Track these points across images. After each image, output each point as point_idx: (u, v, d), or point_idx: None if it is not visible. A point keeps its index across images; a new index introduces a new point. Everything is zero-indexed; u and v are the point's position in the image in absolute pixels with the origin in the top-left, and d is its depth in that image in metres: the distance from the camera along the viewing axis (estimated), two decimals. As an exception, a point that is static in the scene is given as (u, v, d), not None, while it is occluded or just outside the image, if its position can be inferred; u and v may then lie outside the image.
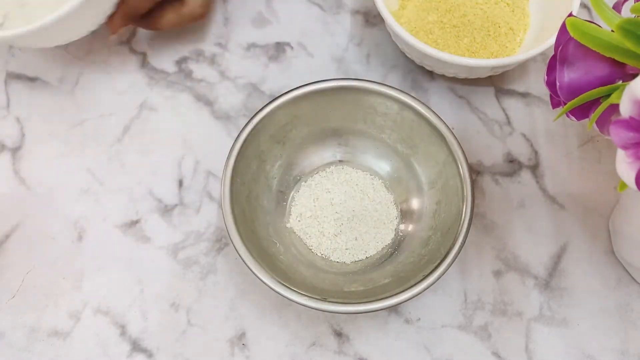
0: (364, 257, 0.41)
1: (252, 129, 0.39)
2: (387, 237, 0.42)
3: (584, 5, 0.50)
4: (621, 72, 0.30)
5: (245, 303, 0.41)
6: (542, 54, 0.42)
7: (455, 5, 0.47)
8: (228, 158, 0.39)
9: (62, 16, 0.37)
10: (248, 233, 0.38)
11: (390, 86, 0.40)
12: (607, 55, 0.29)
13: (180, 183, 0.44)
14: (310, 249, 0.41)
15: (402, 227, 0.42)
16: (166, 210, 0.43)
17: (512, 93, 0.47)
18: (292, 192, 0.43)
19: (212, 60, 0.48)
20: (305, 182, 0.43)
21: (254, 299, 0.41)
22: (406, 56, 0.48)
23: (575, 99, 0.30)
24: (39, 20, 0.37)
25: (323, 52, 0.48)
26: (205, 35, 0.49)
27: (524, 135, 0.46)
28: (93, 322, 0.40)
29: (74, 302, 0.41)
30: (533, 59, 0.48)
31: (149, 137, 0.45)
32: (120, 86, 0.47)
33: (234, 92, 0.47)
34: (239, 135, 0.39)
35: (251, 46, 0.49)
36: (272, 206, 0.42)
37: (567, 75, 0.30)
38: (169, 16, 0.43)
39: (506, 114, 0.46)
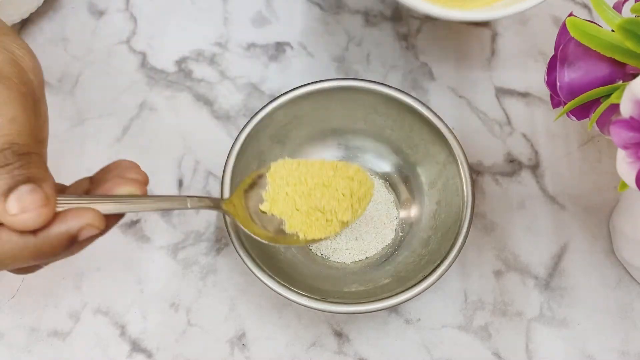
0: (364, 257, 0.41)
1: (252, 129, 0.39)
2: (387, 237, 0.42)
3: (584, 5, 0.50)
4: (621, 72, 0.30)
5: (245, 303, 0.41)
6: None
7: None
8: (228, 158, 0.38)
9: None
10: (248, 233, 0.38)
11: (390, 86, 0.40)
12: (608, 55, 0.29)
13: (180, 183, 0.44)
14: (310, 249, 0.41)
15: (402, 227, 0.42)
16: (166, 210, 0.43)
17: (512, 93, 0.47)
18: (292, 192, 0.43)
19: (212, 60, 0.48)
20: (305, 182, 0.43)
21: (254, 299, 0.41)
22: (406, 56, 0.48)
23: (576, 99, 0.30)
24: None
25: (323, 52, 0.48)
26: (205, 35, 0.49)
27: (524, 135, 0.46)
28: (93, 322, 0.40)
29: (73, 302, 0.41)
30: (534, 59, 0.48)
31: (149, 137, 0.45)
32: (120, 86, 0.47)
33: (234, 92, 0.47)
34: (239, 135, 0.39)
35: (251, 46, 0.49)
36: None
37: (568, 75, 0.30)
38: None
39: (506, 114, 0.46)
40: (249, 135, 0.39)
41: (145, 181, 0.28)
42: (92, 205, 0.26)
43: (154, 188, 0.44)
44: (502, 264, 0.42)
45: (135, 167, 0.29)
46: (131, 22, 0.49)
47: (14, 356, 0.39)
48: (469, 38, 0.49)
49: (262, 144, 0.41)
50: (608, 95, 0.29)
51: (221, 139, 0.45)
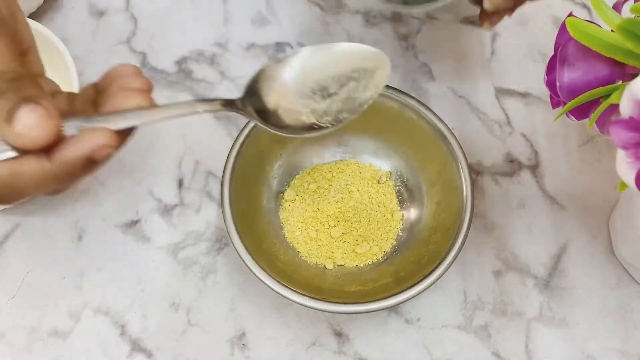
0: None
1: (252, 129, 0.39)
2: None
3: (583, 6, 0.50)
4: (621, 72, 0.30)
5: (245, 303, 0.41)
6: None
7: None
8: (228, 158, 0.39)
9: None
10: (248, 233, 0.38)
11: (390, 86, 0.40)
12: (607, 55, 0.29)
13: (180, 183, 0.44)
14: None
15: (402, 226, 0.42)
16: (166, 210, 0.43)
17: (512, 93, 0.47)
18: (292, 192, 0.43)
19: (212, 60, 0.48)
20: (305, 182, 0.43)
21: (254, 299, 0.41)
22: (406, 56, 0.48)
23: (575, 99, 0.30)
24: None
25: (323, 52, 0.48)
26: (205, 35, 0.49)
27: (524, 135, 0.46)
28: (93, 322, 0.40)
29: (74, 302, 0.41)
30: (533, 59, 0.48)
31: (149, 137, 0.45)
32: (120, 86, 0.47)
33: (234, 92, 0.47)
34: (239, 135, 0.39)
35: (251, 46, 0.49)
36: (272, 206, 0.42)
37: (567, 75, 0.30)
38: None
39: (506, 114, 0.46)
40: (249, 135, 0.39)
41: (149, 89, 0.28)
42: (103, 124, 0.25)
43: (154, 188, 0.44)
44: (502, 264, 0.42)
45: (136, 73, 0.28)
46: (131, 22, 0.49)
47: (14, 356, 0.39)
48: (469, 38, 0.49)
49: (262, 144, 0.41)
50: (608, 96, 0.29)
51: (221, 139, 0.45)
